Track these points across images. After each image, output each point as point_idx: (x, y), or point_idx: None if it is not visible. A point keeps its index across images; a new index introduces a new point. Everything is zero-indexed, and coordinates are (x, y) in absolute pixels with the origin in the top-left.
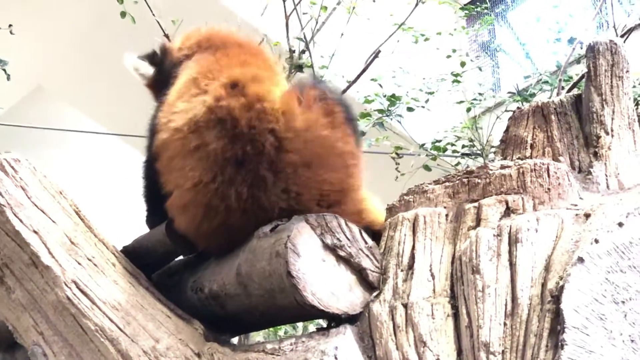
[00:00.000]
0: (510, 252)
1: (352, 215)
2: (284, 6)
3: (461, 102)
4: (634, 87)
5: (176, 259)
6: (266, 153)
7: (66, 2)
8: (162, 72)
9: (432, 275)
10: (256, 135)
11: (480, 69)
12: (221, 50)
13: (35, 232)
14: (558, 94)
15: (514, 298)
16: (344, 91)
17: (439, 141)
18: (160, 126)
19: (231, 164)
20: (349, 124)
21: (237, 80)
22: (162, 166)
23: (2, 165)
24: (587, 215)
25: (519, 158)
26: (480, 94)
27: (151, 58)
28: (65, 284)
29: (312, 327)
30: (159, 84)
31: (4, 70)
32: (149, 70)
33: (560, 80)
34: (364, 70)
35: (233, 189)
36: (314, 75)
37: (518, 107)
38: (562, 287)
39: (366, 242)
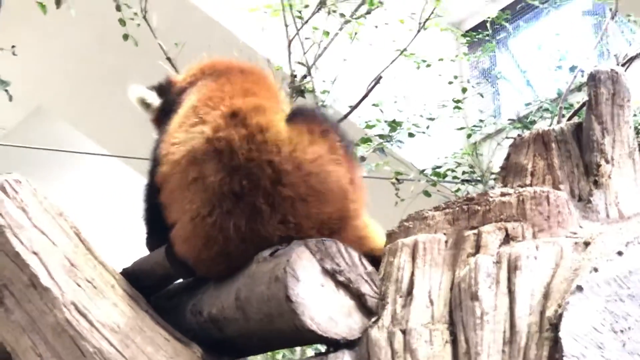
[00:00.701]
0: (509, 280)
1: (353, 242)
2: (286, 31)
3: (462, 128)
4: (635, 115)
5: (175, 282)
6: (262, 186)
7: (68, 23)
8: (167, 104)
9: (431, 302)
10: (253, 168)
11: (481, 96)
12: (224, 76)
13: (35, 253)
14: (559, 122)
15: (512, 325)
16: (346, 116)
17: (439, 167)
18: (161, 158)
19: (229, 197)
20: (350, 153)
21: (238, 110)
22: (164, 199)
23: (3, 186)
24: (587, 244)
25: (519, 185)
26: (480, 120)
27: (158, 89)
28: (65, 306)
29: (310, 352)
30: (163, 117)
31: (6, 91)
32: (156, 101)
33: (560, 108)
34: (365, 96)
35: (231, 222)
36: (316, 103)
37: (518, 134)
38: (560, 315)
39: (365, 268)
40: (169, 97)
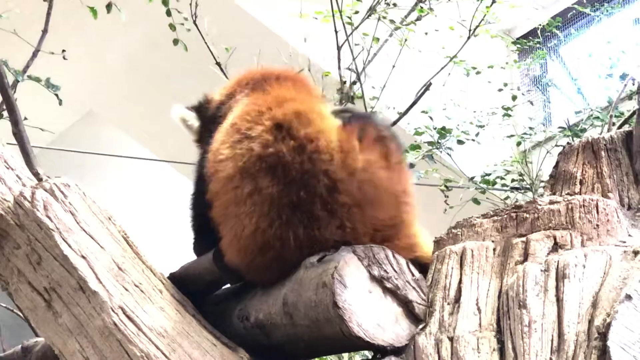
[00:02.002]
0: (557, 288)
1: (404, 249)
2: (336, 37)
3: (511, 136)
4: None
5: (223, 287)
6: (319, 194)
7: (118, 27)
8: (206, 123)
9: (479, 309)
10: (309, 180)
11: (531, 103)
12: (259, 87)
13: (83, 257)
14: (609, 130)
15: (560, 334)
16: (395, 123)
17: (489, 175)
18: (210, 176)
19: (287, 207)
20: (403, 160)
21: (281, 121)
22: (217, 215)
23: (52, 190)
24: (636, 253)
25: (568, 194)
26: (530, 128)
27: (197, 109)
28: (112, 310)
29: (358, 358)
30: (205, 136)
31: (56, 95)
32: (195, 122)
33: (611, 116)
34: (414, 102)
35: (291, 231)
36: (365, 109)
37: (568, 143)
38: (609, 324)
39: (413, 275)
40: (207, 115)
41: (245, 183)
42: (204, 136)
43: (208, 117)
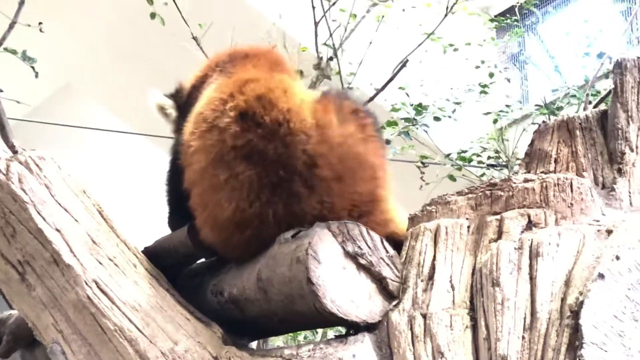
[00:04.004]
0: (530, 266)
1: (379, 225)
2: (314, 13)
3: (488, 113)
4: None
5: (197, 261)
6: (298, 172)
7: (96, 0)
8: (182, 110)
9: (452, 287)
10: (286, 160)
11: (508, 81)
12: (225, 68)
13: (57, 230)
14: (585, 109)
15: (533, 312)
16: (371, 99)
17: (465, 151)
18: (184, 167)
19: (267, 187)
20: (378, 135)
21: (244, 110)
22: (195, 203)
23: (27, 162)
24: (609, 232)
25: (542, 172)
26: (507, 105)
27: (174, 97)
28: (86, 283)
29: (331, 333)
30: (181, 124)
31: (32, 67)
32: (174, 112)
33: (587, 94)
34: (391, 79)
35: (270, 209)
36: (342, 85)
37: (543, 121)
38: (581, 303)
39: (387, 251)
40: (182, 103)
41: (220, 171)
42: (180, 125)
43: (182, 105)
